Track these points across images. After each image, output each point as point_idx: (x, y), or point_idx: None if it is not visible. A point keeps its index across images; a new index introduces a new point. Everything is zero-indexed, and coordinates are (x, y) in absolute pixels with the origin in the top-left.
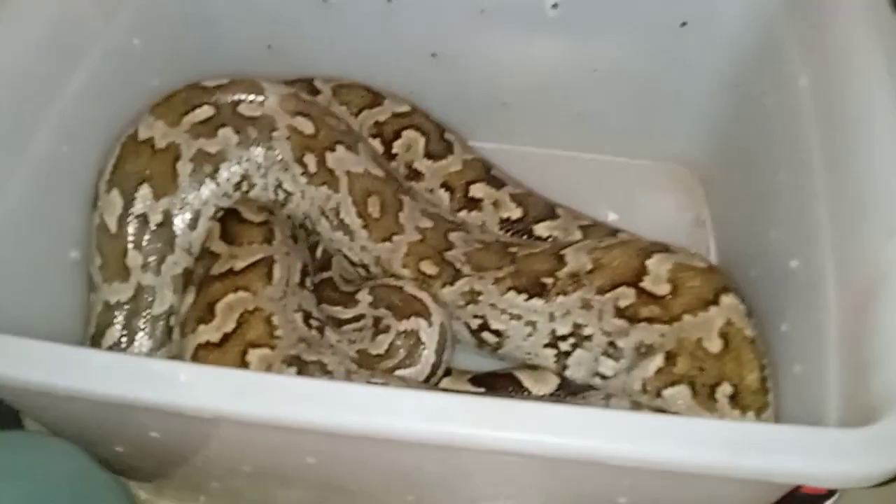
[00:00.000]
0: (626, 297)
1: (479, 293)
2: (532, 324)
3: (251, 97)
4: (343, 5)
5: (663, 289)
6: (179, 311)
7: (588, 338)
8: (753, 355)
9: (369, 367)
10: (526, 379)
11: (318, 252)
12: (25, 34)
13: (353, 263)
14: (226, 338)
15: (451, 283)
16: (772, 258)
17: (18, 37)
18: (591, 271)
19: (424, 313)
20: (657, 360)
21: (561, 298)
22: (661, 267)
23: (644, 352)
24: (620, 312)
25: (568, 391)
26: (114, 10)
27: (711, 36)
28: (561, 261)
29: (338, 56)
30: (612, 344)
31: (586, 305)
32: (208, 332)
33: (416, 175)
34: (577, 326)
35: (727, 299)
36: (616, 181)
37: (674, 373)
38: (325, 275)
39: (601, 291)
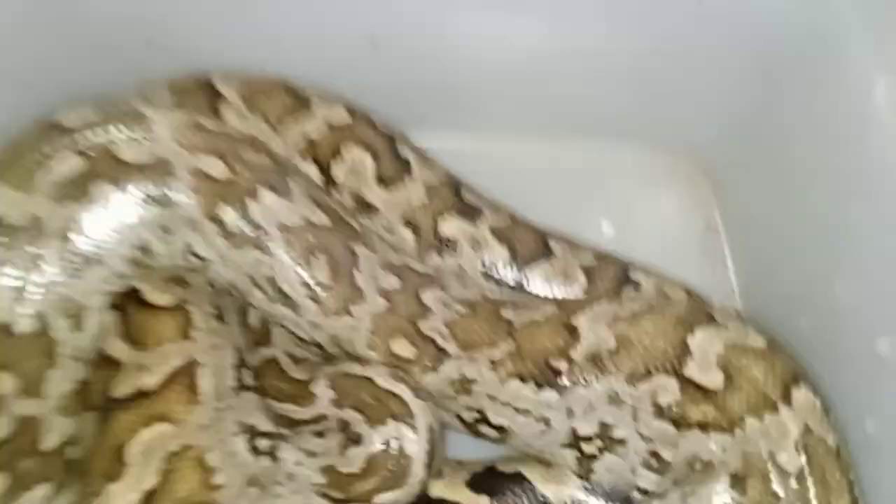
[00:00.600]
0: (667, 390)
1: (473, 381)
2: (545, 420)
3: (131, 134)
4: None
5: (714, 379)
6: (76, 443)
7: (621, 442)
8: (840, 473)
9: (342, 491)
10: (539, 480)
11: (255, 316)
12: None
13: (301, 340)
14: (150, 499)
15: (434, 369)
16: (845, 326)
17: None
18: (615, 351)
19: (405, 415)
20: (720, 485)
21: (581, 391)
22: (708, 348)
23: (700, 469)
24: (662, 412)
25: (600, 498)
26: None
27: (734, 16)
28: (574, 334)
29: (241, 42)
30: (654, 454)
31: (615, 400)
32: (122, 496)
33: (367, 208)
34: (604, 427)
35: (800, 395)
36: (608, 179)
37: (744, 502)
38: (267, 352)
39: (633, 380)
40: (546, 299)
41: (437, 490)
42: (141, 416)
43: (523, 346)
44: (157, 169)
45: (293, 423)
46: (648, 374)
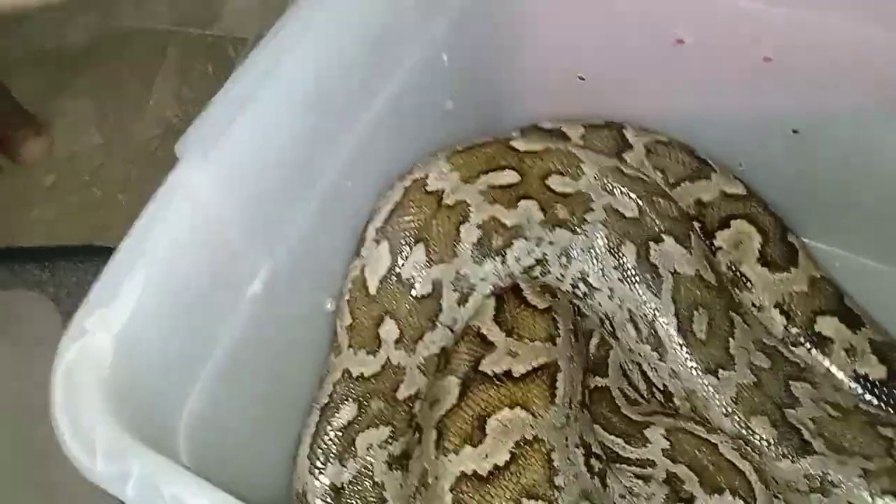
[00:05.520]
0: None
1: (836, 485)
2: None
3: (565, 169)
4: (697, 50)
5: None
6: (432, 401)
7: None
8: None
9: None
10: None
11: (592, 344)
12: (339, 47)
13: (648, 382)
14: (496, 473)
15: (794, 459)
16: None
17: (331, 51)
18: None
19: (746, 493)
20: None
21: None
22: None
23: None
24: None
25: None
26: (431, 18)
27: None
28: None
29: (660, 101)
30: None
31: None
32: (475, 460)
33: (741, 283)
34: None
35: None
36: None
37: None
38: (601, 382)
39: None
40: None
41: None
42: (505, 396)
43: None
44: (578, 201)
45: (618, 459)
46: None
